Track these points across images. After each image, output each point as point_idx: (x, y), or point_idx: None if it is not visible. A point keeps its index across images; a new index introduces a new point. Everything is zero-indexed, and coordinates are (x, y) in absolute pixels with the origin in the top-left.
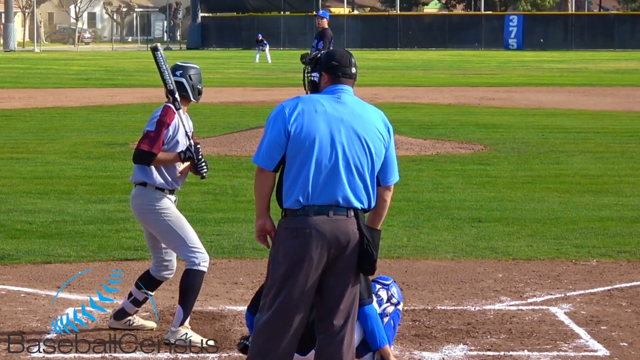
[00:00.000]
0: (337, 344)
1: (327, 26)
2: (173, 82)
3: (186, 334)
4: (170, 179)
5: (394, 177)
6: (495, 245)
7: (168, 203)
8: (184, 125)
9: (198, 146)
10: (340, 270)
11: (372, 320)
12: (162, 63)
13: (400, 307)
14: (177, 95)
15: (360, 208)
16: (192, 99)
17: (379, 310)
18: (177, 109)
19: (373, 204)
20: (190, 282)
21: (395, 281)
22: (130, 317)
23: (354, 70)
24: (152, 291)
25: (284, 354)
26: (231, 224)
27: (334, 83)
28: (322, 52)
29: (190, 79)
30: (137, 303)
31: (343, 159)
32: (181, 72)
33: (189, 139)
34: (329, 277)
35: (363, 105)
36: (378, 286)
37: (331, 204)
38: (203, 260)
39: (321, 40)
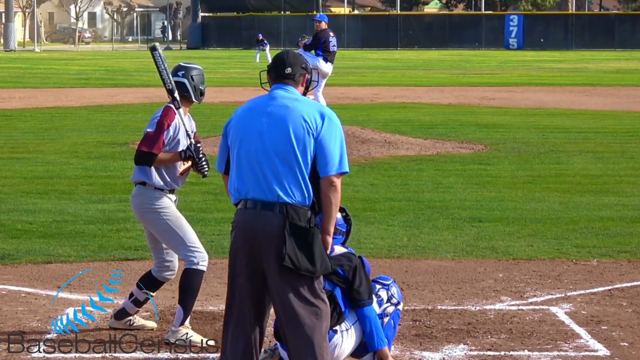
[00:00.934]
0: (297, 345)
1: (324, 27)
2: (172, 82)
3: (187, 333)
4: (169, 180)
5: (331, 168)
6: (495, 245)
7: (168, 202)
8: (184, 125)
9: (198, 145)
10: (274, 269)
11: (371, 322)
12: (161, 63)
13: (400, 307)
14: (176, 95)
15: (293, 202)
16: (193, 99)
17: (379, 310)
18: (177, 108)
19: (309, 196)
20: (190, 281)
21: (395, 281)
22: (130, 317)
23: (288, 70)
24: (153, 292)
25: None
26: (231, 224)
27: (274, 83)
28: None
29: (192, 79)
30: (138, 303)
31: (265, 150)
32: (183, 72)
33: (190, 138)
34: (269, 277)
35: (293, 99)
36: (378, 286)
37: (258, 198)
38: (202, 260)
39: (312, 39)
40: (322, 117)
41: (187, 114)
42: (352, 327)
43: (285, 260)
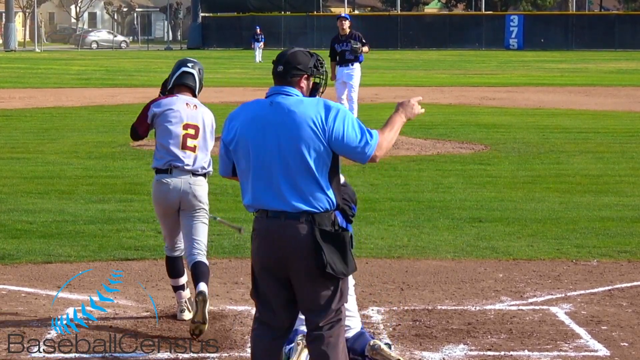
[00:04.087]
0: (319, 347)
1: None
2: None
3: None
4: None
5: (365, 150)
6: (495, 245)
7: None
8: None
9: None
10: (301, 275)
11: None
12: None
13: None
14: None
15: (316, 210)
16: (197, 92)
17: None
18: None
19: (332, 200)
20: (206, 268)
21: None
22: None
23: (280, 68)
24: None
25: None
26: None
27: (275, 85)
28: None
29: (200, 72)
30: (182, 287)
31: (281, 163)
32: (193, 64)
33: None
34: (294, 280)
35: (298, 102)
36: None
37: (279, 209)
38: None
39: (357, 41)
40: (327, 112)
41: (203, 106)
42: (350, 329)
43: (328, 268)
